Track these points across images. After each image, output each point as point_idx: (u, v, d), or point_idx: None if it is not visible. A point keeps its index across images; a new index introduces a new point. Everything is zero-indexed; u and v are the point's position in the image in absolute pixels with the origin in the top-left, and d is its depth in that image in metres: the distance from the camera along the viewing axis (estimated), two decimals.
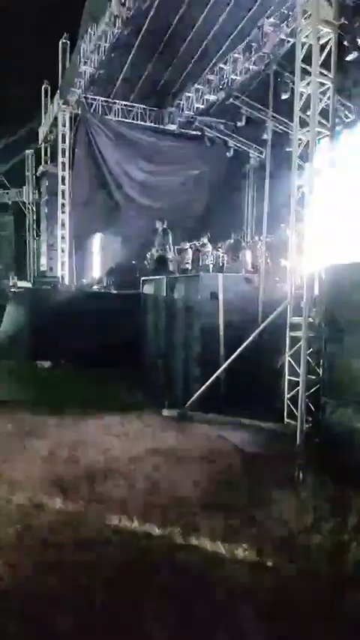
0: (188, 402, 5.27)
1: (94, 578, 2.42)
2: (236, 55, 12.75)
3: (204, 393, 5.19)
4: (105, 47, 12.14)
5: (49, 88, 17.06)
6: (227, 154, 17.13)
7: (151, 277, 7.89)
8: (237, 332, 5.25)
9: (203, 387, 5.19)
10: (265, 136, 15.96)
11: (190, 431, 4.77)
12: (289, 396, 4.72)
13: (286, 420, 4.75)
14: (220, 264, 11.94)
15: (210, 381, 5.15)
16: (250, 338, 5.05)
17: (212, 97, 13.88)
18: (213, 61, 13.39)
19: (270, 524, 2.99)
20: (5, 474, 3.63)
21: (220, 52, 13.15)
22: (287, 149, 12.51)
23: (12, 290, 8.98)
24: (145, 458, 4.02)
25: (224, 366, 5.15)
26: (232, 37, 12.67)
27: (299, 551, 2.73)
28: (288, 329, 4.78)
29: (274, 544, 2.77)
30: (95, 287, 11.65)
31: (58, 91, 14.80)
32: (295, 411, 4.47)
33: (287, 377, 4.72)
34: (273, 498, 3.32)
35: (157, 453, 4.12)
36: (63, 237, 14.53)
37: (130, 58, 13.29)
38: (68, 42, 14.83)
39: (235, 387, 5.22)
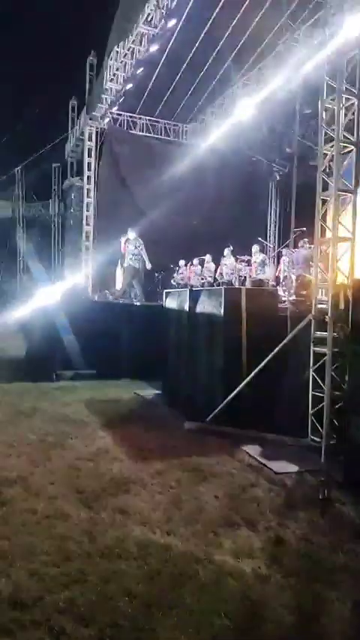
0: (210, 416, 5.26)
1: (116, 590, 2.42)
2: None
3: (226, 407, 5.17)
4: (131, 64, 12.43)
5: (76, 104, 17.51)
6: (250, 167, 17.23)
7: (173, 290, 7.94)
8: (260, 346, 5.22)
9: (226, 401, 5.17)
10: (288, 150, 16.03)
11: (213, 445, 4.75)
12: (313, 411, 4.66)
13: (310, 436, 4.69)
14: (243, 277, 11.94)
15: (232, 394, 5.13)
16: (274, 352, 5.02)
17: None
18: (237, 77, 13.56)
19: (295, 543, 2.95)
20: (32, 484, 3.67)
21: (243, 70, 13.33)
22: (311, 163, 12.54)
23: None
24: (167, 471, 4.02)
25: (247, 380, 5.13)
26: (252, 58, 12.85)
27: (324, 571, 2.68)
28: (312, 344, 4.73)
29: (298, 563, 2.73)
30: (118, 299, 11.75)
31: (85, 107, 15.17)
32: (319, 427, 4.41)
33: (311, 392, 4.67)
34: (297, 516, 3.27)
35: (179, 467, 4.12)
36: (87, 249, 14.77)
37: (155, 74, 13.57)
38: (95, 59, 15.24)
39: (258, 402, 5.17)
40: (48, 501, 3.39)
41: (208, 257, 13.30)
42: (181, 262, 13.85)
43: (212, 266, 13.11)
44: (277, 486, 3.78)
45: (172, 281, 13.75)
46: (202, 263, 13.53)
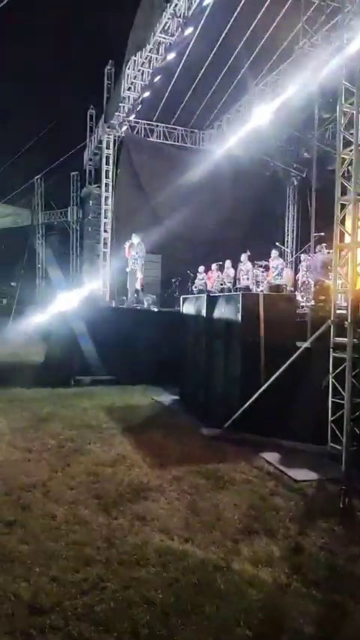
0: (228, 422, 5.23)
1: (135, 597, 2.42)
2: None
3: (244, 414, 5.13)
4: (149, 72, 12.54)
5: (94, 114, 17.75)
6: (267, 172, 17.18)
7: (191, 296, 7.95)
8: (278, 352, 5.18)
9: (243, 408, 5.13)
10: (306, 155, 15.96)
11: (231, 451, 4.72)
12: (332, 418, 4.60)
13: (330, 443, 4.62)
14: (260, 283, 11.88)
15: (250, 401, 5.10)
16: (292, 358, 4.97)
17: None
18: (253, 84, 13.58)
19: (315, 552, 2.91)
20: (51, 489, 3.70)
21: (259, 76, 13.35)
22: (329, 167, 12.45)
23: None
24: (185, 477, 4.00)
25: (265, 386, 5.09)
26: (269, 65, 12.88)
27: (345, 581, 2.63)
28: (331, 349, 4.68)
29: (319, 573, 2.69)
30: (135, 305, 11.81)
31: (103, 116, 15.35)
32: (339, 434, 4.35)
33: (331, 399, 4.61)
34: (318, 525, 3.23)
35: (197, 473, 4.10)
36: (105, 256, 14.90)
37: (172, 82, 13.67)
38: (113, 69, 15.43)
39: (276, 408, 5.13)
40: (67, 507, 3.41)
41: (227, 262, 13.24)
42: (201, 268, 13.83)
43: (232, 272, 13.05)
44: (296, 494, 3.74)
45: (192, 287, 13.71)
46: (221, 268, 13.50)
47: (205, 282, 13.62)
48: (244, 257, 12.70)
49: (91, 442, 4.94)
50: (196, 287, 13.67)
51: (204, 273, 13.84)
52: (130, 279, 11.24)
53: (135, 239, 11.24)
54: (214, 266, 13.53)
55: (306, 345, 5.00)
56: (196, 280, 13.97)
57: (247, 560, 2.78)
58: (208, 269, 13.79)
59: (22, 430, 5.32)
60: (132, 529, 3.11)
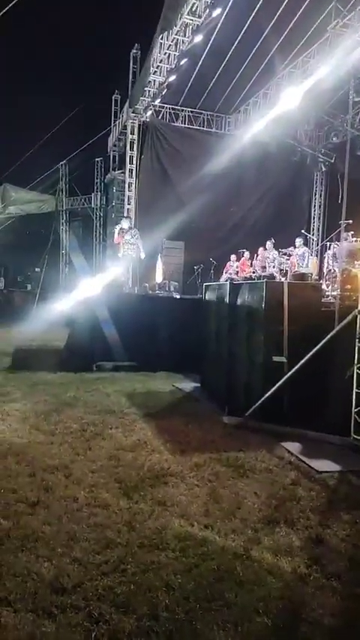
0: (250, 411, 5.21)
1: (155, 580, 2.44)
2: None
3: (266, 403, 5.10)
4: (175, 55, 12.37)
5: (119, 98, 17.63)
6: (294, 158, 16.85)
7: (213, 283, 7.89)
8: (302, 341, 5.11)
9: (265, 396, 5.10)
10: (335, 139, 15.57)
11: (252, 440, 4.70)
12: (356, 410, 4.53)
13: (353, 434, 4.56)
14: (285, 271, 11.72)
15: (273, 390, 5.05)
16: (316, 348, 4.90)
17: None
18: (282, 66, 13.26)
19: (336, 544, 2.88)
20: (73, 472, 3.76)
21: (288, 58, 13.02)
22: (358, 152, 12.11)
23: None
24: (205, 464, 4.01)
25: (288, 375, 5.03)
26: (299, 46, 12.53)
27: None
28: (357, 340, 4.59)
29: (340, 565, 2.67)
30: (158, 291, 11.82)
31: (128, 100, 15.24)
32: None
33: (355, 390, 4.54)
34: (340, 517, 3.19)
35: (218, 461, 4.10)
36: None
37: (198, 65, 13.45)
38: (139, 52, 15.25)
39: (299, 398, 5.09)
40: (88, 490, 3.45)
41: (260, 250, 12.97)
42: (233, 257, 13.61)
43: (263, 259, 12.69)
44: (318, 485, 3.70)
45: (225, 274, 13.46)
46: (253, 256, 13.25)
47: (237, 271, 13.39)
48: (269, 245, 12.53)
49: (113, 427, 4.99)
50: (229, 274, 13.38)
51: (236, 262, 13.62)
52: (124, 263, 11.18)
53: (125, 223, 11.19)
54: (246, 254, 13.34)
55: (331, 334, 4.91)
56: (229, 268, 13.69)
57: (266, 549, 2.77)
58: (239, 257, 13.60)
59: (45, 413, 5.41)
60: (152, 514, 3.14)
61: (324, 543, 2.87)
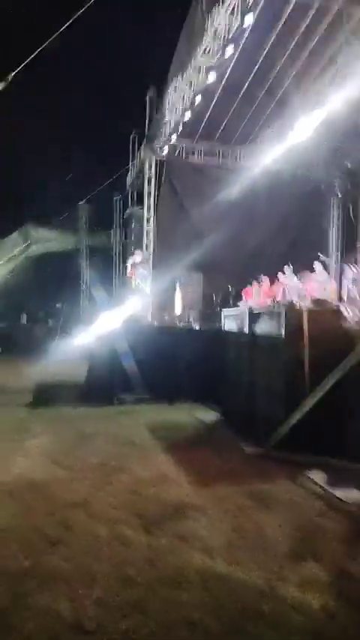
0: (272, 440, 5.10)
1: (178, 620, 2.36)
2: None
3: (289, 431, 4.99)
4: (190, 95, 12.79)
5: (136, 138, 18.25)
6: (308, 185, 17.00)
7: (231, 310, 7.90)
8: (324, 367, 5.03)
9: (288, 426, 5.00)
10: (349, 165, 15.68)
11: (275, 470, 4.59)
12: None
13: None
14: (304, 297, 11.63)
15: (295, 418, 4.95)
16: (338, 375, 4.81)
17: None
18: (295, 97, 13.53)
19: None
20: (94, 508, 3.72)
21: (301, 89, 13.30)
22: None
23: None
24: (228, 497, 3.92)
25: (310, 404, 4.94)
26: (314, 75, 12.83)
27: None
28: None
29: None
30: (177, 323, 11.87)
31: (145, 140, 15.76)
32: None
33: None
34: None
35: (241, 493, 4.01)
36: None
37: (213, 102, 13.86)
38: (155, 94, 15.86)
39: (322, 426, 4.96)
40: (109, 526, 3.40)
41: (284, 271, 12.92)
42: (254, 284, 13.60)
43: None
44: (345, 516, 3.57)
45: (244, 302, 13.43)
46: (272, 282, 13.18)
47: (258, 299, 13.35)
48: (288, 271, 12.52)
49: (133, 460, 4.94)
50: (247, 302, 13.33)
51: (256, 289, 13.58)
52: (139, 297, 11.30)
53: (138, 257, 11.37)
54: (266, 280, 13.31)
55: (352, 360, 4.82)
56: (248, 297, 13.66)
57: (292, 584, 2.66)
58: (259, 284, 13.58)
59: (66, 448, 5.40)
60: (174, 549, 3.06)
61: (352, 577, 2.75)
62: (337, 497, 3.88)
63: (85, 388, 8.79)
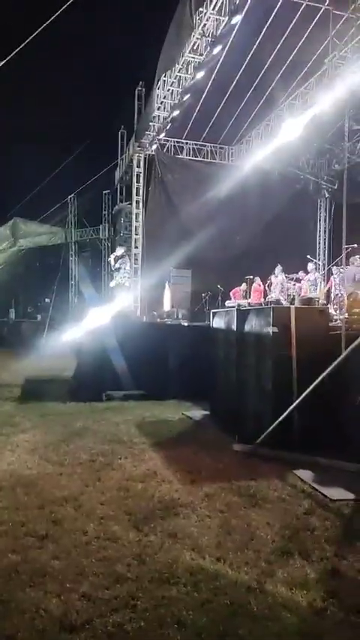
0: (260, 438, 5.13)
1: (166, 617, 2.37)
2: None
3: (276, 430, 5.03)
4: (178, 92, 12.77)
5: (125, 133, 18.16)
6: (297, 185, 17.12)
7: (220, 310, 7.91)
8: (311, 366, 5.07)
9: (275, 423, 5.03)
10: (337, 166, 15.83)
11: (263, 468, 4.62)
12: None
13: None
14: (292, 296, 11.74)
15: (283, 417, 4.99)
16: (325, 373, 4.85)
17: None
18: (283, 98, 13.63)
19: (353, 576, 2.79)
20: (82, 504, 3.71)
21: (289, 90, 13.40)
22: None
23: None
24: (216, 494, 3.94)
25: (297, 402, 4.98)
26: (298, 79, 12.94)
27: None
28: None
29: (358, 599, 2.57)
30: (166, 319, 11.86)
31: (134, 135, 15.69)
32: None
33: None
34: (357, 548, 3.09)
35: (229, 490, 4.03)
36: (135, 272, 15.08)
37: (201, 100, 13.86)
38: (143, 89, 15.79)
39: (310, 424, 5.02)
40: (98, 522, 3.40)
41: (273, 277, 13.00)
42: (243, 285, 13.69)
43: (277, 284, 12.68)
44: (332, 514, 3.61)
45: (233, 300, 13.51)
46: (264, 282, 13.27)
47: (248, 298, 13.43)
48: (277, 270, 12.60)
49: (122, 457, 4.94)
50: (236, 301, 13.41)
51: (246, 289, 13.66)
52: (118, 291, 11.34)
53: (119, 251, 11.42)
54: (257, 280, 13.40)
55: (339, 359, 4.88)
56: (236, 296, 13.76)
57: (281, 582, 2.69)
58: (250, 284, 13.66)
59: (55, 444, 5.38)
60: (163, 546, 3.07)
61: (340, 575, 2.78)
62: (325, 496, 3.92)
63: (74, 384, 8.75)
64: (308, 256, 12.99)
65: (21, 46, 7.78)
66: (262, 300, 12.51)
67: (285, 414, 4.98)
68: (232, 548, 3.05)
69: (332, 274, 11.64)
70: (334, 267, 11.88)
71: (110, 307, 10.64)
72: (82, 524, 3.35)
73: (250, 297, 13.03)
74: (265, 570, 2.81)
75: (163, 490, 4.02)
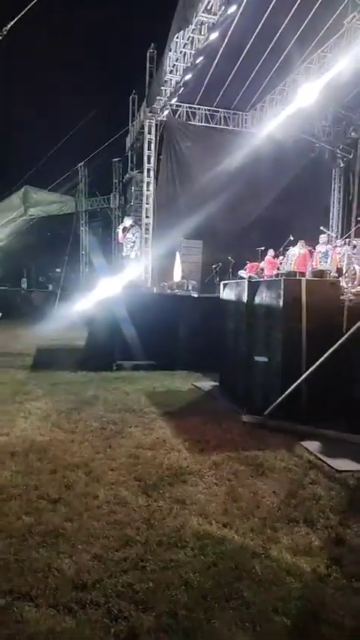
0: (268, 409, 5.18)
1: (174, 578, 2.46)
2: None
3: (284, 402, 5.07)
4: (191, 54, 12.35)
5: (136, 98, 17.68)
6: (311, 154, 16.68)
7: (231, 281, 7.87)
8: (321, 339, 5.06)
9: (284, 395, 5.07)
10: (353, 134, 15.34)
11: (271, 439, 4.68)
12: None
13: None
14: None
15: (291, 389, 5.02)
16: (335, 346, 4.84)
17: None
18: (299, 62, 13.15)
19: (357, 544, 2.85)
20: (93, 470, 3.81)
21: (305, 53, 12.90)
22: None
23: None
24: (224, 463, 4.01)
25: (306, 374, 4.99)
26: (315, 41, 12.41)
27: None
28: None
29: None
30: (176, 290, 11.84)
31: (145, 100, 15.28)
32: None
33: None
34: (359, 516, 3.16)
35: (237, 460, 4.10)
36: (146, 241, 14.96)
37: (214, 63, 13.41)
38: (155, 52, 15.26)
39: (319, 397, 5.04)
40: (108, 487, 3.50)
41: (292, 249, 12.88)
42: (271, 251, 13.59)
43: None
44: (338, 485, 3.67)
45: (245, 271, 13.45)
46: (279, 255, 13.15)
47: (262, 270, 13.34)
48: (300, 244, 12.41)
49: (132, 425, 5.03)
50: (248, 272, 13.36)
51: (260, 262, 13.57)
52: (127, 263, 11.26)
53: (127, 221, 11.26)
54: (270, 252, 13.28)
55: (350, 332, 4.85)
56: (252, 268, 13.69)
57: (285, 548, 2.76)
58: (263, 256, 13.55)
59: (66, 412, 5.49)
60: (171, 512, 3.16)
61: (344, 543, 2.84)
62: (331, 467, 3.97)
63: (85, 353, 8.85)
64: (321, 227, 12.77)
65: (29, 6, 7.54)
66: (275, 271, 12.41)
67: (293, 386, 5.01)
68: (238, 515, 3.13)
69: (343, 246, 11.46)
70: (347, 238, 11.68)
71: (121, 277, 10.62)
72: (93, 489, 3.45)
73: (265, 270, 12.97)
74: (271, 537, 2.88)
75: (172, 458, 4.10)
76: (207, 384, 7.31)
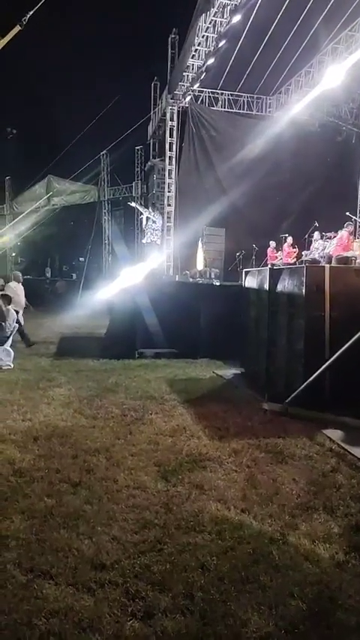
0: (290, 398, 5.14)
1: (191, 561, 2.49)
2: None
3: (307, 390, 5.01)
4: (213, 38, 12.13)
5: (158, 85, 17.53)
6: (338, 137, 16.27)
7: (253, 269, 7.79)
8: (345, 327, 4.97)
9: (306, 383, 5.01)
10: None
11: (292, 427, 4.65)
12: None
13: None
14: (329, 255, 11.38)
15: (313, 377, 4.96)
16: (358, 334, 4.75)
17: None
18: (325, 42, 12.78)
19: None
20: (114, 455, 3.86)
21: (332, 34, 12.51)
22: None
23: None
24: (244, 450, 4.01)
25: (329, 362, 4.92)
26: (342, 20, 12.01)
27: None
28: None
29: None
30: (199, 279, 11.81)
31: (167, 87, 15.13)
32: None
33: None
34: None
35: (257, 447, 4.09)
36: (168, 230, 14.91)
37: (237, 47, 13.15)
38: (177, 37, 15.07)
39: (341, 385, 4.97)
40: (128, 472, 3.54)
41: (316, 234, 12.64)
42: (272, 243, 13.38)
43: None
44: (359, 473, 3.62)
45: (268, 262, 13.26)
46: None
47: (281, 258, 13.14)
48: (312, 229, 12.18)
49: (153, 412, 5.07)
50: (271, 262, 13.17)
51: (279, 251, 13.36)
52: (149, 250, 11.27)
53: (145, 212, 11.30)
54: (289, 239, 13.05)
55: None
56: (272, 257, 13.50)
57: (304, 534, 2.75)
58: (282, 243, 13.32)
59: (88, 399, 5.57)
60: (189, 497, 3.18)
61: None
62: (354, 455, 3.93)
63: (107, 341, 8.93)
64: (348, 213, 12.47)
65: None
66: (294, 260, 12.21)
67: (316, 374, 4.95)
68: (256, 501, 3.13)
69: None
70: None
71: (143, 266, 10.65)
72: (113, 474, 3.51)
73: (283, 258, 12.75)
74: (289, 523, 2.88)
75: (191, 445, 4.13)
76: (228, 372, 7.29)
